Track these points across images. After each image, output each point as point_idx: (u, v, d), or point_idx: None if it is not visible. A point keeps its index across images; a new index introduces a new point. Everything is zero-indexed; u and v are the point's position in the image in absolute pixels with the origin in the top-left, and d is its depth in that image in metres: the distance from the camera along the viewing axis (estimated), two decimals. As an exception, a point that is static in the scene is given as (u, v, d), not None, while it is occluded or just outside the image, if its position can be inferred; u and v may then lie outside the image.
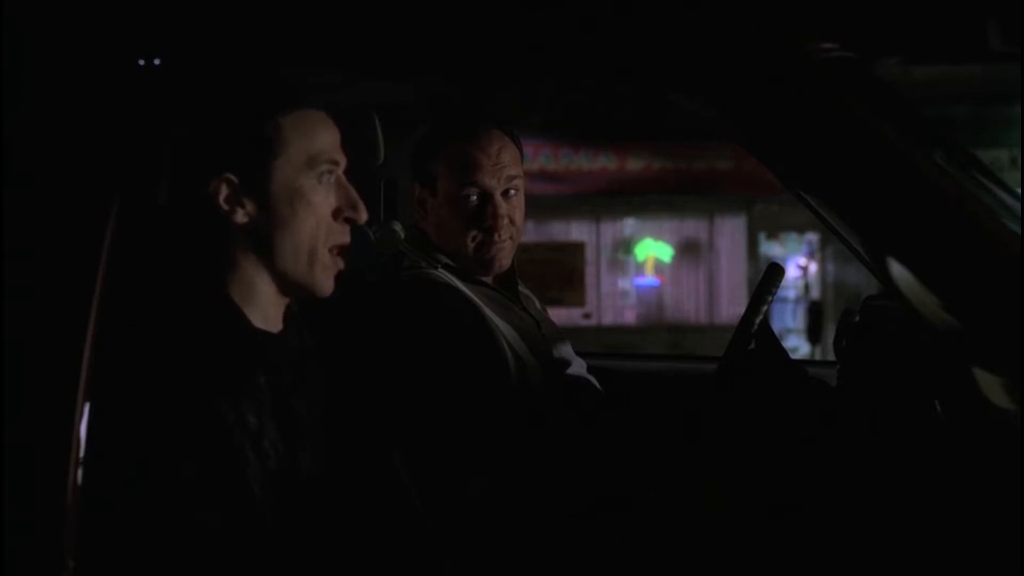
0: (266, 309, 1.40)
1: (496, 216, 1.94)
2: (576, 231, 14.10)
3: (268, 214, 1.36)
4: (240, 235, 1.36)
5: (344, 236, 1.41)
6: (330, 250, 1.40)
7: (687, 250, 14.22)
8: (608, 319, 14.09)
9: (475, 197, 1.93)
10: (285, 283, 1.39)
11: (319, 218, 1.38)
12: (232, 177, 1.34)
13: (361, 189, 1.45)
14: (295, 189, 1.36)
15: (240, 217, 1.35)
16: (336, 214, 1.39)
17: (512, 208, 1.97)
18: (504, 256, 1.98)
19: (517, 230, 1.99)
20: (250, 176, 1.35)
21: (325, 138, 1.39)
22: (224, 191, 1.34)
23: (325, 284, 1.41)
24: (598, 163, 13.05)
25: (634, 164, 13.08)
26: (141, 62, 1.42)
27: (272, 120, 1.35)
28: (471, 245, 1.95)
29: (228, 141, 1.35)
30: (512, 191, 1.97)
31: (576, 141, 12.65)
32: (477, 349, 1.86)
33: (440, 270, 1.94)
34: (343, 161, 1.41)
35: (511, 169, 1.96)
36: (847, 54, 1.48)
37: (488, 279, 2.00)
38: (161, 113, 1.41)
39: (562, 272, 13.78)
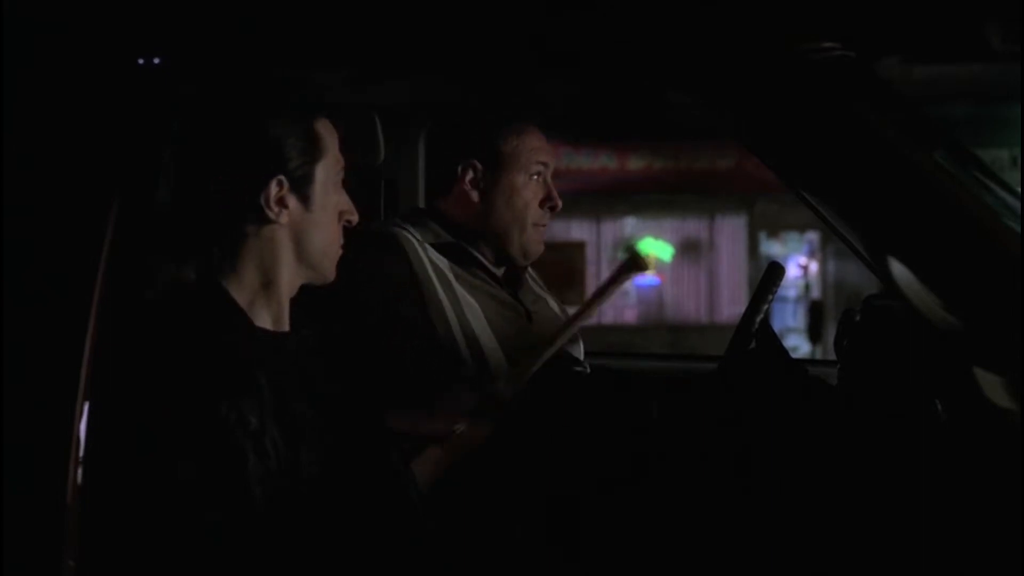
0: (267, 309, 1.40)
1: (556, 198, 1.99)
2: (576, 230, 14.09)
3: (306, 215, 1.39)
4: (277, 234, 1.38)
5: (342, 236, 1.46)
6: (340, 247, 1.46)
7: (687, 249, 14.22)
8: (608, 318, 14.08)
9: (541, 180, 1.99)
10: (304, 276, 1.43)
11: (335, 218, 1.43)
12: (283, 179, 1.37)
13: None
14: (326, 190, 1.41)
15: (283, 218, 1.38)
16: (340, 216, 1.45)
17: None
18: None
19: None
20: (298, 178, 1.38)
21: (337, 142, 1.44)
22: (275, 193, 1.37)
23: (333, 272, 1.46)
24: (598, 163, 13.05)
25: (634, 164, 13.08)
26: (140, 61, 1.42)
27: (315, 123, 1.40)
28: (527, 231, 1.96)
29: (282, 144, 1.37)
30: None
31: (576, 141, 12.65)
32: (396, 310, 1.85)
33: (408, 231, 1.91)
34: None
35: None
36: (847, 54, 1.48)
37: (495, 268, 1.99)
38: (161, 113, 1.41)
39: (562, 271, 13.76)
